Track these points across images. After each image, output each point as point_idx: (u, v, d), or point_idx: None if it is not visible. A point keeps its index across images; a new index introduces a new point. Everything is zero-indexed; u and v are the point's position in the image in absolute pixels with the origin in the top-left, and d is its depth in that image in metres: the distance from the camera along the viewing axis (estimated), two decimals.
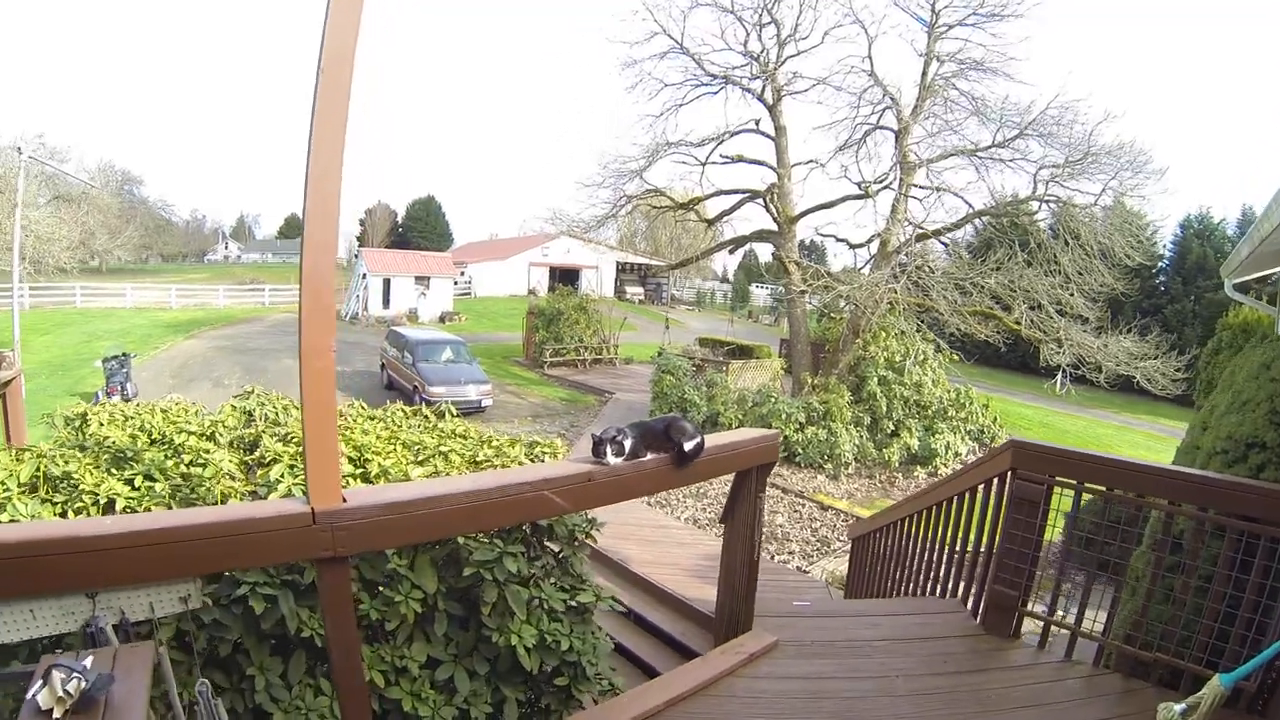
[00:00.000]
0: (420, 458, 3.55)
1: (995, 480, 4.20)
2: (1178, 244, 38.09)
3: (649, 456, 2.90)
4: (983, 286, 18.38)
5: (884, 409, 18.75)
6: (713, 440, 3.20)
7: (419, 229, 76.38)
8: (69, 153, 45.29)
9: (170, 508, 2.86)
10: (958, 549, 4.68)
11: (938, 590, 4.82)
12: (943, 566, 4.84)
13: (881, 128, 21.27)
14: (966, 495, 4.64)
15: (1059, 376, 19.87)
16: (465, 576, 2.93)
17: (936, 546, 5.01)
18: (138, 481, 3.02)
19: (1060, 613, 3.95)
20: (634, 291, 56.98)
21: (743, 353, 25.97)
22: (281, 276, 50.76)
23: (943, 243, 21.49)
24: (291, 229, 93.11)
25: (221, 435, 3.87)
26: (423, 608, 2.89)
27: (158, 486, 2.97)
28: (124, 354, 19.70)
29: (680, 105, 23.03)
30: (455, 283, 44.98)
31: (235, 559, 2.07)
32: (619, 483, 2.78)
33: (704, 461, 3.04)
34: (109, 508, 2.87)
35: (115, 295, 39.99)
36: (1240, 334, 8.25)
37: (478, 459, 3.59)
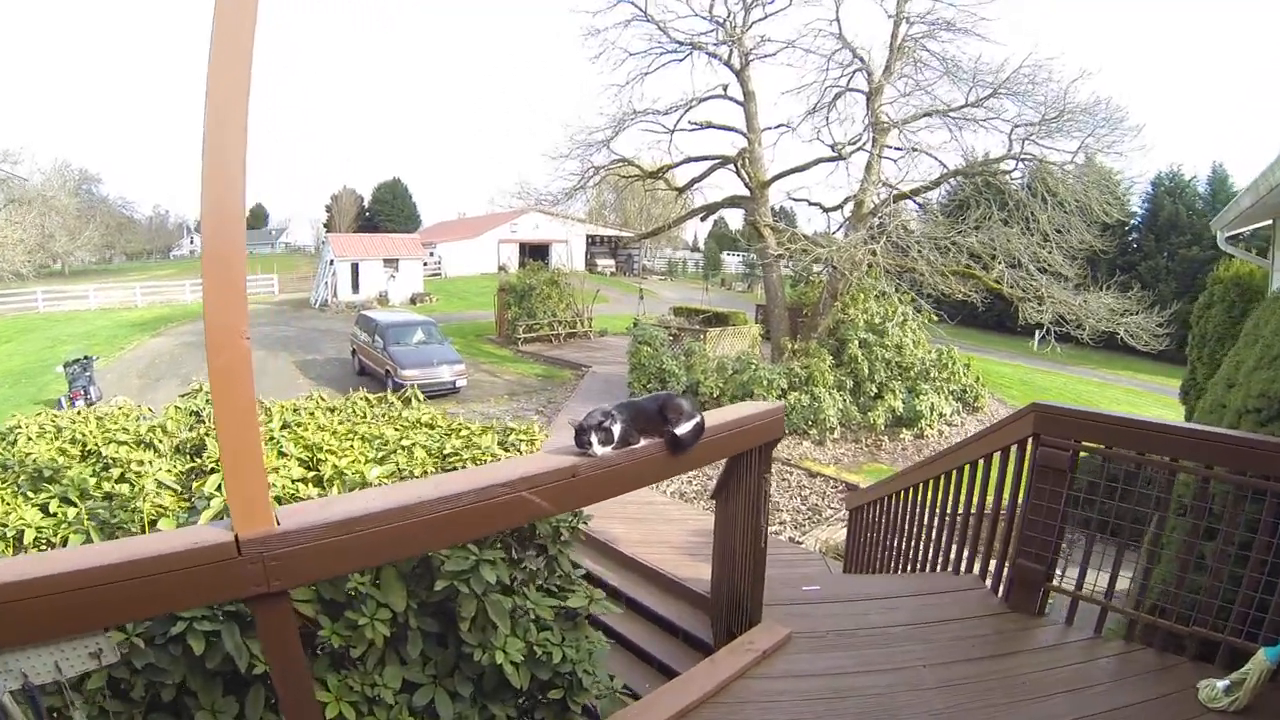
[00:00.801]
0: (380, 454, 3.17)
1: (1015, 447, 3.90)
2: (1150, 201, 38.37)
3: (642, 443, 2.54)
4: (962, 246, 18.16)
5: (866, 372, 18.57)
6: (713, 418, 2.85)
7: (386, 212, 75.44)
8: (21, 154, 43.85)
9: (89, 537, 2.46)
10: (971, 520, 4.39)
11: (949, 565, 4.53)
12: (955, 539, 4.55)
13: (852, 90, 20.93)
14: (981, 463, 4.33)
15: (1039, 334, 19.73)
16: (438, 590, 2.57)
17: (949, 518, 4.71)
18: (53, 506, 2.60)
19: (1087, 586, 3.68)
20: (605, 264, 56.55)
21: (719, 320, 25.70)
22: (248, 267, 49.72)
23: (918, 204, 21.26)
24: (257, 219, 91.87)
25: (162, 442, 3.46)
26: (392, 628, 2.53)
27: (71, 512, 2.55)
28: (86, 357, 19.30)
29: (646, 74, 22.55)
30: (425, 264, 44.28)
31: (140, 607, 1.68)
32: (609, 476, 2.42)
33: (707, 444, 2.69)
34: (18, 542, 2.46)
35: (78, 298, 38.88)
36: (1233, 287, 8.02)
37: (445, 451, 3.20)
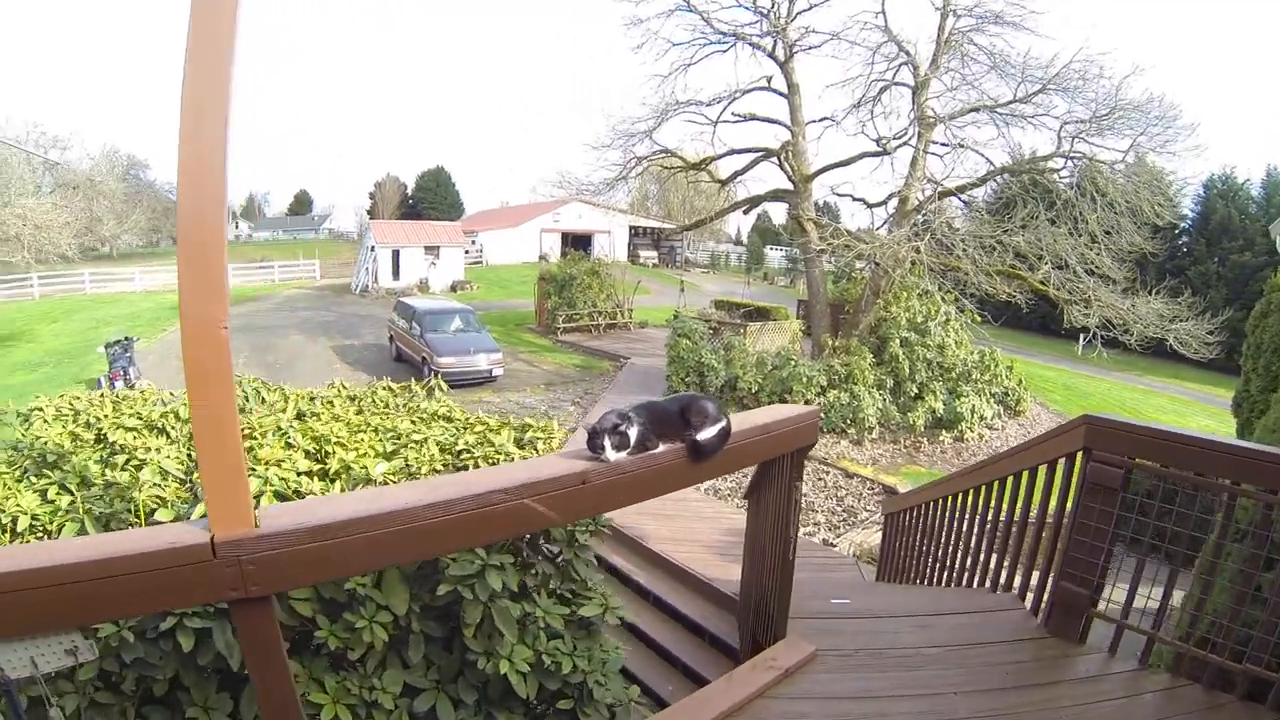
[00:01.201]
0: (391, 449, 3.05)
1: (1063, 460, 3.66)
2: (1201, 204, 37.29)
3: (662, 448, 2.36)
4: (1007, 245, 17.73)
5: (907, 371, 18.20)
6: (741, 422, 2.67)
7: (429, 200, 75.96)
8: (71, 140, 44.82)
9: (84, 527, 2.37)
10: (1012, 535, 4.17)
11: (987, 581, 4.31)
12: (993, 554, 4.33)
13: (898, 84, 20.52)
14: (1025, 475, 4.09)
15: (1084, 338, 19.20)
16: (441, 595, 2.45)
17: (987, 532, 4.48)
18: (51, 493, 2.52)
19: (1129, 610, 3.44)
20: (647, 255, 56.40)
21: (759, 315, 25.43)
22: (291, 254, 50.73)
23: (963, 201, 20.82)
24: (302, 206, 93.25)
25: (175, 428, 3.38)
26: (394, 631, 2.42)
27: (63, 501, 2.46)
28: (126, 338, 19.54)
29: (689, 65, 22.32)
30: (466, 251, 44.44)
31: (110, 608, 1.58)
32: (623, 484, 2.25)
33: (733, 450, 2.52)
34: (13, 529, 2.38)
35: (124, 280, 39.80)
36: None
37: (458, 448, 3.08)
